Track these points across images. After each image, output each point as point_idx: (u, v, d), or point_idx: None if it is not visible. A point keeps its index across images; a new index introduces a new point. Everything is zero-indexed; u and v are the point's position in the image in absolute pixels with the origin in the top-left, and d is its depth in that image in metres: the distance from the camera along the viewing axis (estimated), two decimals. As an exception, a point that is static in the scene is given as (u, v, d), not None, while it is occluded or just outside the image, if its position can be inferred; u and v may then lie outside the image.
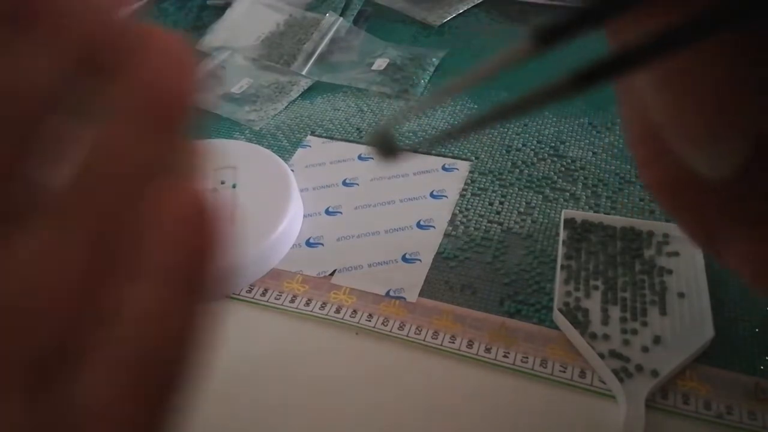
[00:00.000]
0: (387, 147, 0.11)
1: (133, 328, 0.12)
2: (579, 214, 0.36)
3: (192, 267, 0.13)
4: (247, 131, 0.47)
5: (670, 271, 0.33)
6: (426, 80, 0.49)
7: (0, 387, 0.12)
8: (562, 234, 0.35)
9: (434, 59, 0.51)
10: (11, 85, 0.11)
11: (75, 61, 0.12)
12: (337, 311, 0.34)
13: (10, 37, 0.11)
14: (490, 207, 0.38)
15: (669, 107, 0.10)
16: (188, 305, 0.13)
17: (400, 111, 0.11)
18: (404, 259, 0.36)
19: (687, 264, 0.33)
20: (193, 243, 0.13)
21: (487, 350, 0.31)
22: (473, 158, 0.42)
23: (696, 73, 0.10)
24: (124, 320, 0.12)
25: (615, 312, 0.31)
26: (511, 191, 0.39)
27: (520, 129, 0.44)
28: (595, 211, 0.37)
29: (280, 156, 0.40)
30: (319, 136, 0.45)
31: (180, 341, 0.13)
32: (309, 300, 0.35)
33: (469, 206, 0.39)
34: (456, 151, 0.42)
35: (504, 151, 0.42)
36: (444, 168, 0.41)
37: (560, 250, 0.34)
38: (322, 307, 0.34)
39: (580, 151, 0.42)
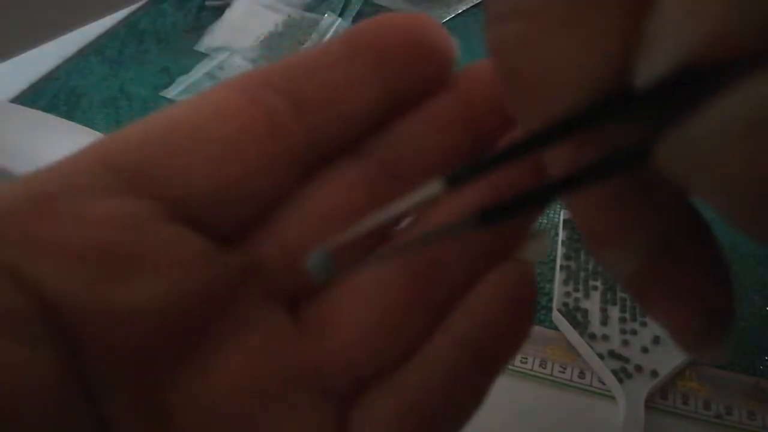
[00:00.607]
0: (324, 266, 0.12)
1: (417, 377, 0.13)
2: (578, 215, 0.36)
3: (498, 346, 0.14)
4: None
5: (669, 272, 0.32)
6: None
7: (318, 400, 0.13)
8: (562, 234, 0.35)
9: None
10: (430, 144, 0.14)
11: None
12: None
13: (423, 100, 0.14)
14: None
15: (577, 212, 0.13)
16: (478, 378, 0.14)
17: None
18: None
19: (686, 264, 0.33)
20: (510, 324, 0.14)
21: (487, 351, 0.31)
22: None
23: (590, 200, 0.12)
24: (414, 367, 0.13)
25: (614, 312, 0.31)
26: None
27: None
28: (594, 212, 0.37)
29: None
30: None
31: (457, 407, 0.14)
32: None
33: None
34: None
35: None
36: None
37: (559, 251, 0.34)
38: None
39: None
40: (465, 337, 0.14)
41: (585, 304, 0.32)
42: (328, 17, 0.56)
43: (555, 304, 0.32)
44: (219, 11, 0.59)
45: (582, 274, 0.33)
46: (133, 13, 0.59)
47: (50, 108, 0.46)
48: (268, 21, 0.57)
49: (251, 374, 0.13)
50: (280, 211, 0.14)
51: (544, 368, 0.30)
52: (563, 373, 0.30)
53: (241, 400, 0.13)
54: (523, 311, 0.14)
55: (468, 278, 0.14)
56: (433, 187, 0.11)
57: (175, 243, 0.12)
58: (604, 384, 0.29)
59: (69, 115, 0.46)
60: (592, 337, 0.30)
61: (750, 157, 0.08)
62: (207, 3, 0.61)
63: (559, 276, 0.33)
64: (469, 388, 0.14)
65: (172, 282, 0.12)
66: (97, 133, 0.36)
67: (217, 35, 0.56)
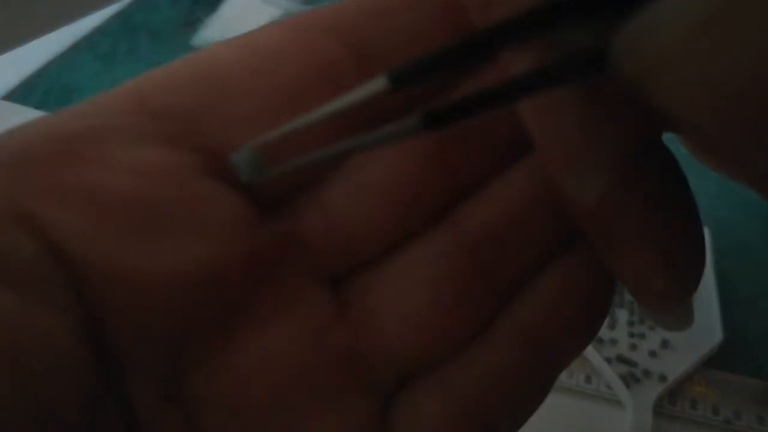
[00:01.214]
0: (252, 167, 0.11)
1: (470, 373, 0.12)
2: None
3: (565, 341, 0.12)
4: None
5: (676, 273, 0.32)
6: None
7: (361, 393, 0.12)
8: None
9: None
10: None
11: None
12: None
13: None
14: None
15: (538, 133, 0.11)
16: (538, 377, 0.12)
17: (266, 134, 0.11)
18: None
19: (694, 265, 0.32)
20: (580, 317, 0.12)
21: (491, 355, 0.31)
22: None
23: (553, 111, 0.11)
24: (466, 361, 0.12)
25: (622, 315, 0.31)
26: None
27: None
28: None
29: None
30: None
31: (512, 409, 0.12)
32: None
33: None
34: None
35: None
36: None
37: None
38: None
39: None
40: (528, 329, 0.12)
41: (591, 306, 0.31)
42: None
43: (560, 307, 0.31)
44: (214, 5, 0.58)
45: (587, 275, 0.32)
46: (126, 8, 0.58)
47: (42, 105, 0.46)
48: (265, 15, 0.57)
49: (288, 360, 0.11)
50: (330, 178, 0.12)
51: (550, 373, 0.30)
52: (570, 378, 0.29)
53: (275, 388, 0.11)
54: (597, 304, 0.12)
55: (534, 264, 0.12)
56: (377, 84, 0.10)
57: (216, 203, 0.11)
58: (611, 389, 0.29)
59: (61, 113, 0.45)
60: (599, 341, 0.30)
61: (704, 55, 0.07)
62: (202, -4, 0.60)
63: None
64: (528, 388, 0.12)
65: (209, 246, 0.10)
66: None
67: (213, 29, 0.56)
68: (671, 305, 0.11)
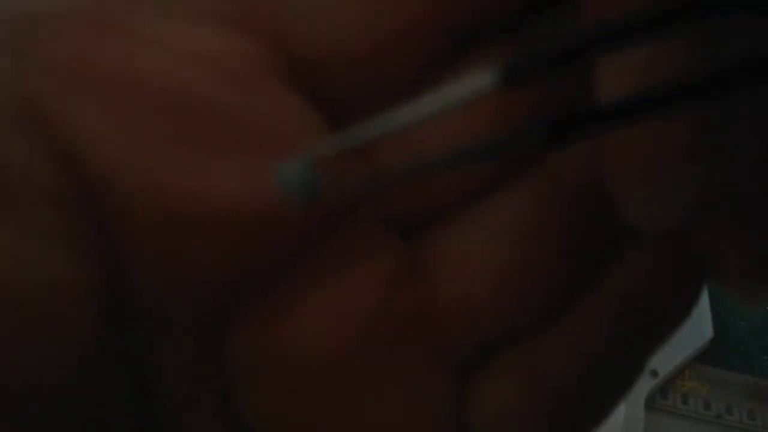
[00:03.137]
0: (305, 186, 0.08)
1: (558, 348, 0.10)
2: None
3: (655, 324, 0.11)
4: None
5: (668, 271, 0.32)
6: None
7: (435, 365, 0.10)
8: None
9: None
10: None
11: None
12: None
13: None
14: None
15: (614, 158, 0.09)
16: (633, 354, 0.11)
17: (324, 144, 0.08)
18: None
19: (686, 264, 0.33)
20: (671, 300, 0.10)
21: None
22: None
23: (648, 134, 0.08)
24: (555, 334, 0.10)
25: (614, 312, 0.31)
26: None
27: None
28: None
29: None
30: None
31: (602, 392, 0.10)
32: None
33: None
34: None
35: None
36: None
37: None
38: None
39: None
40: (624, 300, 0.10)
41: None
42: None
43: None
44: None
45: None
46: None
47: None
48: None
49: (349, 321, 0.09)
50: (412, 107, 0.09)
51: (544, 368, 0.30)
52: (563, 373, 0.30)
53: (332, 354, 0.09)
54: (692, 280, 0.10)
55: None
56: (483, 79, 0.07)
57: (288, 115, 0.08)
58: (603, 384, 0.29)
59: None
60: (592, 337, 0.30)
61: None
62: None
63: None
64: (621, 367, 0.11)
65: (274, 171, 0.08)
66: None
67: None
68: (758, 280, 0.10)
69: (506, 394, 0.10)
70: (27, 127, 0.07)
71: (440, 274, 0.10)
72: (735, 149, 0.08)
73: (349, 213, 0.09)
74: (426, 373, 0.10)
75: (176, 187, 0.07)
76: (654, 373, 0.28)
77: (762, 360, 0.30)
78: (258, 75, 0.08)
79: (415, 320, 0.10)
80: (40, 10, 0.07)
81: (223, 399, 0.09)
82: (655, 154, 0.08)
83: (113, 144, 0.07)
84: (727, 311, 0.31)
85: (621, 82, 0.08)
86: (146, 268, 0.08)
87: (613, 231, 0.10)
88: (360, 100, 0.09)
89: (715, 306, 0.31)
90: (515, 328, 0.10)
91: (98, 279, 0.07)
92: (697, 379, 0.29)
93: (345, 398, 0.09)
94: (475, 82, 0.07)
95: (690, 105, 0.07)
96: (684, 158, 0.08)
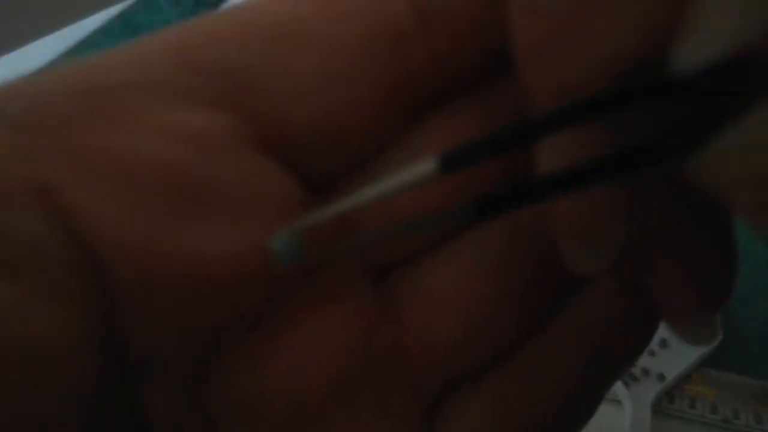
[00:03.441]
0: (291, 253, 0.09)
1: (518, 380, 0.11)
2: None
3: (621, 347, 0.12)
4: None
5: (675, 273, 0.32)
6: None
7: (405, 398, 0.11)
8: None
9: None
10: None
11: None
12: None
13: None
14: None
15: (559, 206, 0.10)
16: (592, 386, 0.12)
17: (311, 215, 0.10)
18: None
19: (692, 265, 0.32)
20: (638, 322, 0.12)
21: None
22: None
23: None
24: (515, 367, 0.11)
25: (620, 315, 0.31)
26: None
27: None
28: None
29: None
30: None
31: (562, 420, 0.11)
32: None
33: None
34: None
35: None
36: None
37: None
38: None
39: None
40: (583, 334, 0.11)
41: (590, 306, 0.31)
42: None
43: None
44: (215, 7, 0.58)
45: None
46: (128, 9, 0.58)
47: (44, 105, 0.46)
48: (265, 17, 0.57)
49: (326, 362, 0.10)
50: (381, 159, 0.11)
51: (549, 372, 0.30)
52: (568, 376, 0.30)
53: (309, 393, 0.10)
54: (650, 310, 0.11)
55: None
56: (426, 167, 0.09)
57: (265, 181, 0.09)
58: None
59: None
60: (598, 340, 0.30)
61: None
62: (203, -2, 0.60)
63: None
64: (581, 397, 0.11)
65: (256, 231, 0.09)
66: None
67: (214, 31, 0.55)
68: (700, 322, 0.11)
69: (473, 423, 0.11)
70: (37, 204, 0.08)
71: (410, 314, 0.11)
72: (645, 208, 0.10)
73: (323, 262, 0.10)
74: (397, 407, 0.11)
75: (165, 250, 0.08)
76: (661, 377, 0.28)
77: (769, 364, 0.29)
78: (237, 148, 0.09)
79: (387, 359, 0.11)
80: (47, 101, 0.08)
81: None
82: (585, 213, 0.10)
83: (109, 217, 0.08)
84: (734, 316, 0.31)
85: (552, 160, 0.10)
86: (139, 320, 0.09)
87: (569, 271, 0.11)
88: (333, 165, 0.10)
89: (723, 311, 0.31)
90: (481, 362, 0.11)
91: (97, 331, 0.08)
92: (703, 383, 0.29)
93: None
94: (418, 170, 0.09)
95: (605, 177, 0.08)
96: (607, 216, 0.10)
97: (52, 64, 0.51)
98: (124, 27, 0.56)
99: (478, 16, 0.10)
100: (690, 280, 0.10)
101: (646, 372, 0.28)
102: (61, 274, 0.08)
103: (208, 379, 0.09)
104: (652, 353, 0.29)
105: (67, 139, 0.08)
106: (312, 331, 0.10)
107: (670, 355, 0.29)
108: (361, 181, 0.10)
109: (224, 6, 0.56)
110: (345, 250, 0.10)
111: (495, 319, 0.11)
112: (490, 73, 0.11)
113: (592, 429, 0.29)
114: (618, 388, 0.28)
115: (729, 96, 0.07)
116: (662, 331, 0.30)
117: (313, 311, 0.10)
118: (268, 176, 0.09)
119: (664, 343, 0.29)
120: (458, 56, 0.11)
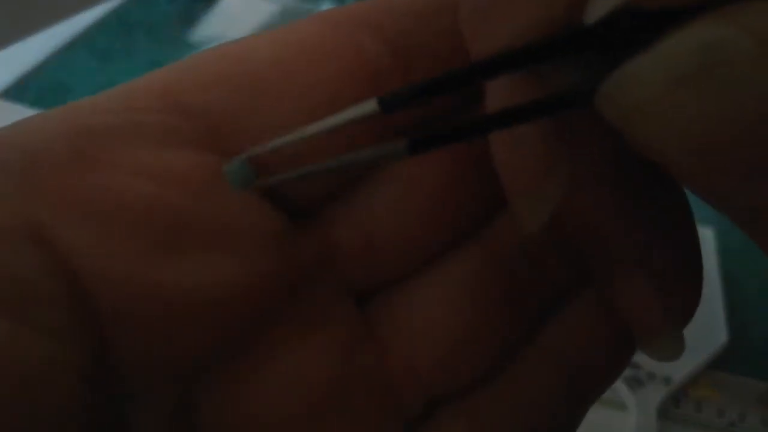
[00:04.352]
0: (242, 177, 0.10)
1: (498, 402, 0.11)
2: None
3: (598, 370, 0.12)
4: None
5: (680, 274, 0.32)
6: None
7: (388, 419, 0.11)
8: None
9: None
10: None
11: None
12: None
13: None
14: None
15: (502, 159, 0.11)
16: (570, 408, 0.12)
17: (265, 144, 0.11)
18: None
19: (698, 265, 0.32)
20: (614, 346, 0.12)
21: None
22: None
23: (518, 141, 0.11)
24: (495, 389, 0.12)
25: (625, 317, 0.30)
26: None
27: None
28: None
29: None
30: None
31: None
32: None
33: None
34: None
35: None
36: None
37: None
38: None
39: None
40: (561, 357, 0.12)
41: (594, 307, 0.31)
42: (325, 9, 0.55)
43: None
44: (211, 1, 0.58)
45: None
46: (123, 4, 0.58)
47: (37, 103, 0.45)
48: (263, 11, 0.56)
49: (308, 387, 0.10)
50: (364, 187, 0.11)
51: (553, 375, 0.29)
52: (572, 380, 0.29)
53: (292, 418, 0.10)
54: (626, 334, 0.12)
55: (565, 288, 0.12)
56: (368, 107, 0.09)
57: (247, 215, 0.10)
58: (614, 392, 0.28)
59: (57, 111, 0.45)
60: (602, 342, 0.29)
61: (682, 107, 0.07)
62: (199, -7, 0.60)
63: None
64: (558, 418, 0.12)
65: (239, 264, 0.10)
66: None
67: (211, 26, 0.55)
68: (664, 336, 0.11)
69: None
70: (28, 243, 0.08)
71: (392, 337, 0.11)
72: (580, 161, 0.11)
73: (307, 283, 0.11)
74: (379, 427, 0.11)
75: (150, 283, 0.09)
76: (667, 381, 0.28)
77: (777, 366, 0.29)
78: (220, 186, 0.10)
79: (370, 379, 0.11)
80: (40, 148, 0.09)
81: None
82: (530, 169, 0.10)
83: (97, 254, 0.09)
84: (741, 317, 0.31)
85: (496, 100, 0.10)
86: (127, 349, 0.09)
87: (546, 294, 0.12)
88: (315, 195, 0.11)
89: (730, 312, 0.30)
90: (458, 383, 0.11)
91: (86, 361, 0.09)
92: (710, 387, 0.29)
93: None
94: (360, 108, 0.09)
95: (530, 116, 0.10)
96: (547, 170, 0.10)
97: (47, 61, 0.51)
98: (119, 23, 0.55)
99: (451, 52, 0.11)
100: (655, 293, 0.11)
101: (651, 375, 0.28)
102: (51, 308, 0.08)
103: (197, 402, 0.10)
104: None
105: (56, 181, 0.09)
106: (296, 354, 0.10)
107: (677, 358, 0.29)
108: (341, 208, 0.11)
109: (220, 4, 0.55)
110: (291, 178, 0.11)
111: (475, 342, 0.11)
112: (463, 103, 0.12)
113: (597, 434, 0.29)
114: (623, 392, 0.28)
115: (629, 40, 0.08)
116: (668, 334, 0.30)
117: (297, 334, 0.11)
118: (251, 210, 0.10)
119: (669, 346, 0.29)
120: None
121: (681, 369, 0.28)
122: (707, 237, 0.32)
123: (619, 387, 0.28)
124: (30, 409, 0.08)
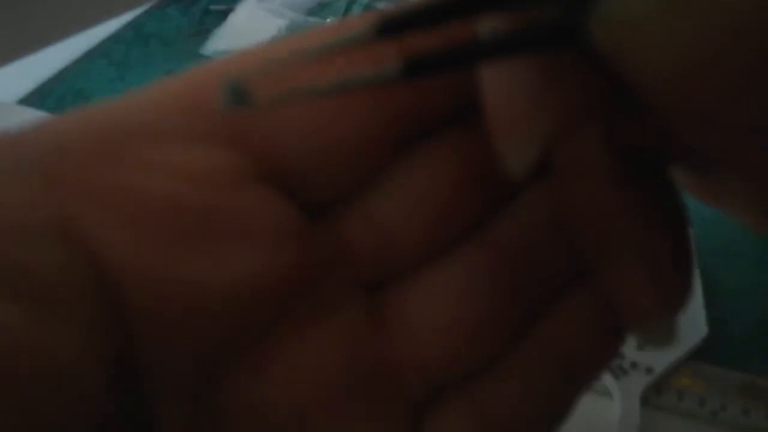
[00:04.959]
0: (237, 96, 0.10)
1: (500, 388, 0.12)
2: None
3: (592, 358, 0.12)
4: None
5: (665, 271, 0.33)
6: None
7: (394, 405, 0.12)
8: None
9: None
10: None
11: None
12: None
13: None
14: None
15: (488, 98, 0.11)
16: (565, 393, 0.12)
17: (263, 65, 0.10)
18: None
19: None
20: (607, 334, 0.12)
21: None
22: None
23: (505, 77, 0.11)
24: (497, 376, 0.12)
25: (610, 310, 0.31)
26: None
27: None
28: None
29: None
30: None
31: (540, 424, 0.12)
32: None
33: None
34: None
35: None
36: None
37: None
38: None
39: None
40: (558, 346, 0.12)
41: (582, 302, 0.32)
42: (330, 22, 0.56)
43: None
44: (223, 15, 0.59)
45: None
46: (139, 17, 0.60)
47: (57, 109, 0.47)
48: (272, 25, 0.58)
49: (321, 372, 0.11)
50: (375, 186, 0.12)
51: (541, 365, 0.30)
52: (560, 369, 0.30)
53: (307, 401, 0.11)
54: (619, 323, 0.12)
55: (565, 281, 0.12)
56: (363, 31, 0.10)
57: (266, 211, 0.10)
58: (599, 380, 0.29)
59: (75, 116, 0.46)
60: (589, 334, 0.30)
61: (676, 19, 0.07)
62: (211, 7, 0.61)
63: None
64: (555, 403, 0.12)
65: (257, 258, 0.10)
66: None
67: (221, 39, 0.57)
68: (657, 323, 0.11)
69: (458, 428, 0.12)
70: (58, 239, 0.09)
71: (400, 326, 0.12)
72: (570, 99, 0.10)
73: (322, 276, 0.11)
74: (386, 412, 0.11)
75: (176, 275, 0.09)
76: (649, 370, 0.29)
77: (757, 357, 0.30)
78: (242, 182, 0.10)
79: (377, 369, 0.11)
80: (68, 145, 0.09)
81: None
82: (516, 106, 0.10)
83: (125, 248, 0.09)
84: (720, 311, 0.32)
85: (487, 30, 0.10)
86: (151, 339, 0.09)
87: (546, 286, 0.12)
88: (329, 193, 0.11)
89: (709, 306, 0.31)
90: (462, 371, 0.12)
91: (113, 350, 0.09)
92: (691, 376, 0.29)
93: None
94: (355, 32, 0.09)
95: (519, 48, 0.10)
96: (534, 110, 0.10)
97: (67, 69, 0.52)
98: (135, 34, 0.57)
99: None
100: (649, 278, 0.11)
101: (634, 365, 0.29)
102: (79, 300, 0.09)
103: (217, 388, 0.10)
104: (641, 347, 0.30)
105: (85, 177, 0.09)
106: (310, 341, 0.11)
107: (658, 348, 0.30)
108: (355, 207, 0.12)
109: (231, 18, 0.56)
110: (288, 98, 0.10)
111: (479, 332, 0.12)
112: (470, 109, 0.12)
113: (582, 420, 0.30)
114: (607, 380, 0.29)
115: None
116: (651, 326, 0.31)
117: (312, 323, 0.11)
118: (270, 206, 0.10)
119: (652, 338, 0.30)
120: (439, 95, 0.12)
121: (663, 359, 0.29)
122: (691, 237, 0.33)
123: (604, 376, 0.29)
124: (59, 399, 0.08)
